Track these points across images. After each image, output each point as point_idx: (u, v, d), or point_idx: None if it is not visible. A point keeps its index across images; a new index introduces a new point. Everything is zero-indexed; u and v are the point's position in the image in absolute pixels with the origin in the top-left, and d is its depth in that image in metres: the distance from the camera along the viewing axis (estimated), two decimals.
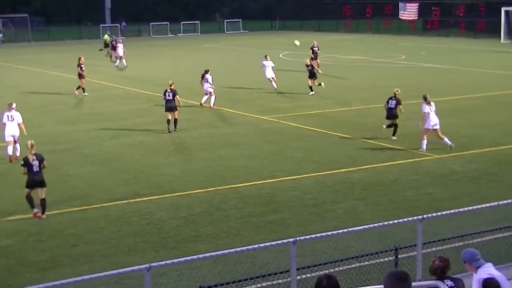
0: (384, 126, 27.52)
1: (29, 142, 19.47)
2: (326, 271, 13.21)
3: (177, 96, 30.30)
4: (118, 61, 57.59)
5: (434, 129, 25.26)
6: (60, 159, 25.56)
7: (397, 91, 27.53)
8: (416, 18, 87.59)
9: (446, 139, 25.33)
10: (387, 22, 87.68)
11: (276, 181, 22.12)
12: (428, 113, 25.20)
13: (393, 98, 27.26)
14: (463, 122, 30.57)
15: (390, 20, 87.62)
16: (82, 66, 40.72)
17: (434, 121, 25.19)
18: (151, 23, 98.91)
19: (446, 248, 13.93)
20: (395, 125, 27.26)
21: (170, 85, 30.48)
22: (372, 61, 53.42)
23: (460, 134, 28.08)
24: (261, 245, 11.22)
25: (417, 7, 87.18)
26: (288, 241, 11.11)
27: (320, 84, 38.64)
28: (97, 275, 9.85)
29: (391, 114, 27.32)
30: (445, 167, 23.30)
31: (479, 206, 13.47)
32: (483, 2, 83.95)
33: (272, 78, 40.20)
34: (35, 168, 19.03)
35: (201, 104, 35.83)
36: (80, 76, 40.61)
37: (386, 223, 12.62)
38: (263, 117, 32.68)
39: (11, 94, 40.81)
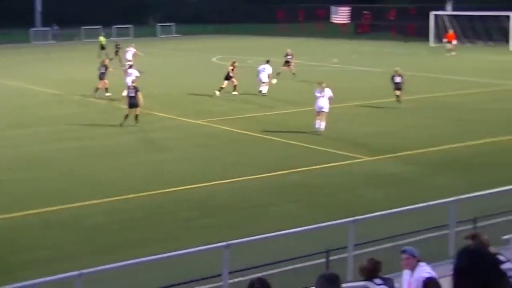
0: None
1: None
2: (259, 274, 13.27)
3: (139, 93, 31.42)
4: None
5: (320, 112, 29.06)
6: None
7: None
8: (348, 21, 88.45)
9: (320, 125, 28.95)
10: (319, 25, 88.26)
11: (209, 184, 22.10)
12: (318, 97, 29.29)
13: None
14: (394, 125, 30.97)
15: (322, 24, 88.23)
16: (104, 68, 40.45)
17: (321, 105, 29.08)
18: (82, 27, 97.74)
19: (377, 249, 14.12)
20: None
21: (133, 82, 32.38)
22: (305, 64, 53.68)
23: (392, 136, 28.50)
24: (195, 249, 11.24)
25: (349, 11, 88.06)
26: (221, 245, 11.15)
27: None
28: (25, 284, 9.74)
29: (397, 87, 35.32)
30: (378, 169, 23.60)
31: (410, 207, 13.71)
32: (413, 6, 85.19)
33: (264, 82, 40.16)
34: None
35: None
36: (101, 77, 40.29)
37: (318, 225, 12.74)
38: (197, 121, 32.61)
39: None
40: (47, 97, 41.59)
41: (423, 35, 74.49)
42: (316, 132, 28.89)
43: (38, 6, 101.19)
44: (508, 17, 66.86)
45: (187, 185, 22.04)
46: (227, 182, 22.38)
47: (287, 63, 48.16)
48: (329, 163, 24.34)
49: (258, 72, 40.95)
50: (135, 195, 21.07)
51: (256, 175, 23.09)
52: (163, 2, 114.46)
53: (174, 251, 12.30)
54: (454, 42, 65.06)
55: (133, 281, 14.10)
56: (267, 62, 41.25)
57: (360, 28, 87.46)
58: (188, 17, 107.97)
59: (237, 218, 18.95)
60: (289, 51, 49.32)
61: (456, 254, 4.28)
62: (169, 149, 27.42)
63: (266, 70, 40.72)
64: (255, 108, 35.74)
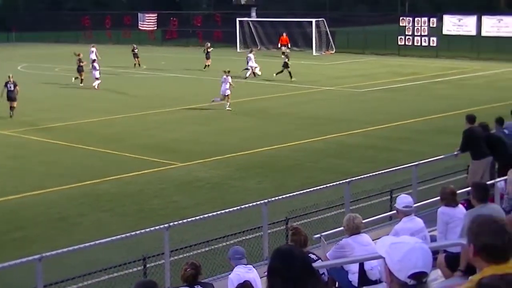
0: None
1: None
2: (75, 286, 13.08)
3: (17, 87, 35.37)
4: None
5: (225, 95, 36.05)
6: None
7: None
8: (155, 28, 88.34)
9: (227, 105, 35.81)
10: (126, 32, 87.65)
11: (19, 197, 21.50)
12: (222, 83, 36.23)
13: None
14: (205, 130, 31.31)
15: (129, 31, 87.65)
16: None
17: (225, 89, 36.11)
18: None
19: (193, 254, 14.27)
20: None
21: (11, 77, 35.80)
22: (113, 71, 53.17)
23: (202, 141, 28.80)
24: (5, 264, 10.89)
25: (156, 17, 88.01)
26: (34, 258, 10.88)
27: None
28: None
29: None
30: (189, 175, 23.79)
31: (222, 211, 13.90)
32: (219, 12, 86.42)
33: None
34: None
35: None
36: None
37: (133, 233, 12.69)
38: (3, 132, 31.55)
39: None
40: None
41: (229, 41, 75.66)
42: (227, 109, 35.59)
43: None
44: (311, 23, 69.14)
45: None
46: (38, 193, 21.85)
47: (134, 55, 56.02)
48: (141, 171, 24.29)
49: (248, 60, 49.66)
50: None
51: (68, 185, 22.70)
52: None
53: None
54: (288, 45, 66.58)
55: None
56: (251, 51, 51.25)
57: (168, 34, 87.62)
58: None
59: (50, 229, 18.54)
60: (134, 45, 57.14)
61: (270, 255, 4.42)
62: None
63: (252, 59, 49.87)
64: (65, 117, 34.99)
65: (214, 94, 41.12)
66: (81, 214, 19.80)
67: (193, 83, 47.94)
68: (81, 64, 46.52)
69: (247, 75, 49.11)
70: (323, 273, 10.49)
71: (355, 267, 10.60)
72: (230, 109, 35.91)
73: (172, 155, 26.38)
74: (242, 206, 14.06)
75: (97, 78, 44.88)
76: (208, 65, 54.69)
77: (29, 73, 53.71)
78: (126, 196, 21.57)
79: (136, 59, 58.08)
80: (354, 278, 10.68)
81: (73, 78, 46.85)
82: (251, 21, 76.08)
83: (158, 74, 53.36)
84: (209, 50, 55.41)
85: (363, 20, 75.68)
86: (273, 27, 72.75)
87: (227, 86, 36.28)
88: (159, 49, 77.09)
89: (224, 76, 36.71)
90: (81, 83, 46.33)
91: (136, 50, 58.24)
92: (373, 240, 10.92)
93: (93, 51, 53.98)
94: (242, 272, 10.24)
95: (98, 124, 33.12)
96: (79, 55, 46.80)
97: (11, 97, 35.18)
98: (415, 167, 16.35)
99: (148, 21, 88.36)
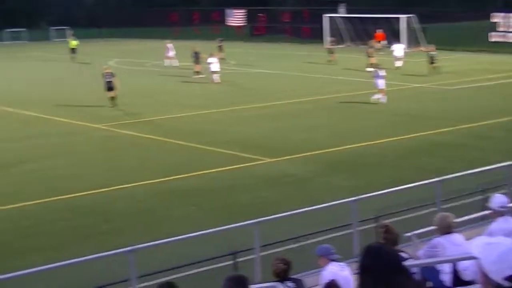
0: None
1: None
2: (164, 279, 13.19)
3: (114, 77, 37.39)
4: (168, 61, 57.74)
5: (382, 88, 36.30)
6: None
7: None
8: (244, 24, 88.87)
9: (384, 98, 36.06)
10: (215, 28, 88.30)
11: (109, 190, 21.83)
12: (379, 77, 36.36)
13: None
14: (292, 126, 31.23)
15: (218, 27, 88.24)
16: None
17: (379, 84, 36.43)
18: None
19: (282, 250, 14.23)
20: None
21: (107, 69, 38.45)
22: (205, 67, 53.63)
23: (290, 138, 28.74)
24: (100, 255, 11.08)
25: (244, 13, 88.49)
26: (127, 249, 11.02)
27: None
28: None
29: None
30: (278, 171, 23.76)
31: (312, 208, 13.85)
32: (307, 8, 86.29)
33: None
34: None
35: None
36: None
37: (222, 228, 12.74)
38: (96, 125, 32.16)
39: None
40: None
41: (317, 37, 75.39)
42: (380, 103, 35.75)
43: None
44: (398, 19, 68.31)
45: (86, 191, 21.70)
46: (127, 186, 22.16)
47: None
48: (230, 166, 24.39)
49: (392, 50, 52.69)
50: (28, 203, 20.58)
51: (157, 179, 22.94)
52: (57, 4, 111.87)
53: (73, 259, 12.03)
54: (384, 42, 65.76)
55: None
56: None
57: (256, 30, 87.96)
58: (82, 21, 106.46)
59: (139, 223, 18.77)
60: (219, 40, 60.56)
61: (361, 253, 4.38)
62: (68, 154, 26.93)
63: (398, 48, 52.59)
64: (155, 111, 35.46)
65: (305, 89, 41.14)
66: (170, 208, 20.00)
67: (282, 79, 47.91)
68: (197, 58, 48.90)
69: (397, 64, 51.43)
70: (415, 272, 10.33)
71: (447, 267, 10.42)
72: (384, 102, 36.21)
73: (260, 150, 26.41)
74: (332, 203, 13.96)
75: (214, 72, 45.88)
76: (332, 60, 56.11)
77: (122, 68, 54.56)
78: (214, 191, 21.69)
79: (220, 53, 58.53)
80: (446, 278, 10.49)
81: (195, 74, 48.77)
82: (339, 17, 75.66)
83: (247, 70, 53.58)
84: (332, 45, 58.62)
85: (453, 16, 74.43)
86: (361, 23, 72.19)
87: (382, 79, 36.95)
88: (247, 45, 77.42)
89: (376, 70, 37.64)
90: (201, 74, 48.02)
91: (221, 44, 59.19)
92: (465, 240, 10.70)
93: (170, 47, 55.83)
94: (336, 269, 10.18)
95: (188, 119, 33.43)
96: (194, 49, 49.52)
97: (110, 87, 37.18)
98: (510, 166, 15.96)
99: (236, 17, 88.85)
